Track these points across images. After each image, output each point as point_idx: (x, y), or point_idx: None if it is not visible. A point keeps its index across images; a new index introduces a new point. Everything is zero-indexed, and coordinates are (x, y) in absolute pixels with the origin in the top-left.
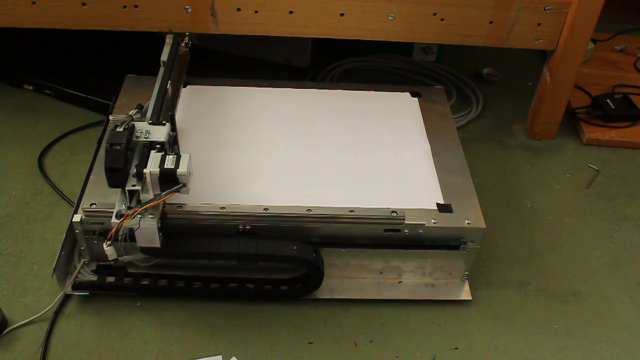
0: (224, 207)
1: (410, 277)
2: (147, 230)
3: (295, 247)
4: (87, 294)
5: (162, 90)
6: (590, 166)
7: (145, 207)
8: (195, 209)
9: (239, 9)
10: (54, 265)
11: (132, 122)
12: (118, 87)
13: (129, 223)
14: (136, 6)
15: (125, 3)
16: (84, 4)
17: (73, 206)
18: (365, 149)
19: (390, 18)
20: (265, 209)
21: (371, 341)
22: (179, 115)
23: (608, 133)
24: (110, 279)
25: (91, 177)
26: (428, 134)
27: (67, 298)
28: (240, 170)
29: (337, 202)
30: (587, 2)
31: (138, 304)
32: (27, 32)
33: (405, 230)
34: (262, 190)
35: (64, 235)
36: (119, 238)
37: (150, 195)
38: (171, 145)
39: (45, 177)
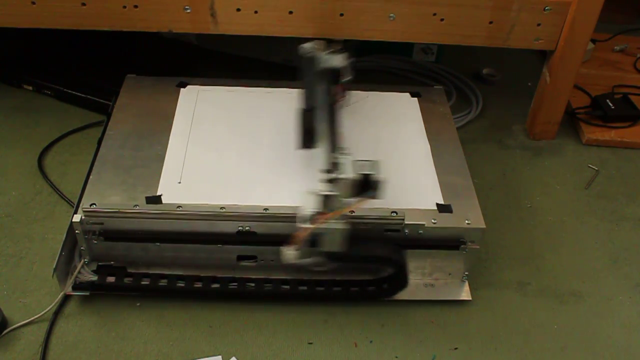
0: (224, 207)
1: (410, 277)
2: (334, 235)
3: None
4: (87, 294)
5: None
6: (590, 166)
7: (337, 213)
8: (195, 209)
9: (238, 9)
10: (54, 266)
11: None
12: (118, 87)
13: (318, 228)
14: (136, 6)
15: (125, 3)
16: (83, 4)
17: (73, 206)
18: (365, 149)
19: (390, 18)
20: (265, 209)
21: (371, 341)
22: (178, 116)
23: (608, 133)
24: (111, 279)
25: (91, 177)
26: (428, 134)
27: (67, 298)
28: (240, 170)
29: None
30: (587, 2)
31: (138, 304)
32: (27, 32)
33: (405, 231)
34: (262, 190)
35: (64, 236)
36: (304, 243)
37: (343, 202)
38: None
39: (45, 177)
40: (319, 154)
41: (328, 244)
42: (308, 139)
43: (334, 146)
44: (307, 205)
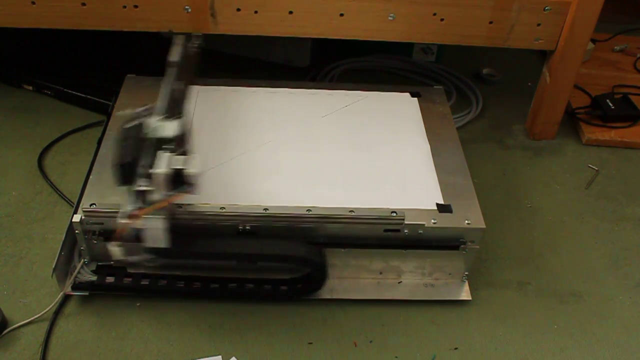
0: (224, 207)
1: (410, 277)
2: (156, 230)
3: (303, 248)
4: (87, 294)
5: (170, 88)
6: (590, 166)
7: (154, 207)
8: (195, 209)
9: (238, 9)
10: (53, 266)
11: (141, 119)
12: (118, 87)
13: (137, 223)
14: (136, 6)
15: (125, 3)
16: (83, 4)
17: (73, 206)
18: (365, 149)
19: (390, 18)
20: (265, 209)
21: (371, 341)
22: None
23: (608, 133)
24: (110, 279)
25: (91, 177)
26: (428, 134)
27: (67, 298)
28: (240, 170)
29: (337, 202)
30: (586, 2)
31: (138, 304)
32: (27, 32)
33: (405, 231)
34: (262, 190)
35: (64, 236)
36: (126, 238)
37: (159, 196)
38: (180, 144)
39: (45, 177)
40: (321, 153)
41: (151, 240)
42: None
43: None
44: (127, 201)
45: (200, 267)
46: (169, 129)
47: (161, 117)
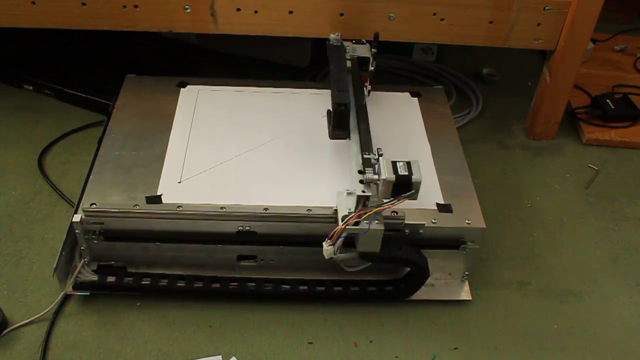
0: (224, 207)
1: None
2: (374, 235)
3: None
4: (87, 294)
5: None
6: (590, 166)
7: (375, 210)
8: (195, 209)
9: (238, 9)
10: (54, 265)
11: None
12: (118, 87)
13: (356, 227)
14: (136, 6)
15: (125, 3)
16: (84, 4)
17: (73, 206)
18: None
19: (390, 18)
20: (265, 209)
21: (371, 341)
22: (178, 116)
23: (608, 133)
24: (111, 278)
25: (91, 177)
26: (428, 134)
27: (67, 298)
28: (240, 170)
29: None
30: (586, 2)
31: (138, 304)
32: (27, 32)
33: (406, 230)
34: (262, 190)
35: (65, 235)
36: (339, 241)
37: (378, 200)
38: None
39: (45, 177)
40: (321, 153)
41: (364, 244)
42: (340, 130)
43: (367, 145)
44: (345, 204)
45: (195, 266)
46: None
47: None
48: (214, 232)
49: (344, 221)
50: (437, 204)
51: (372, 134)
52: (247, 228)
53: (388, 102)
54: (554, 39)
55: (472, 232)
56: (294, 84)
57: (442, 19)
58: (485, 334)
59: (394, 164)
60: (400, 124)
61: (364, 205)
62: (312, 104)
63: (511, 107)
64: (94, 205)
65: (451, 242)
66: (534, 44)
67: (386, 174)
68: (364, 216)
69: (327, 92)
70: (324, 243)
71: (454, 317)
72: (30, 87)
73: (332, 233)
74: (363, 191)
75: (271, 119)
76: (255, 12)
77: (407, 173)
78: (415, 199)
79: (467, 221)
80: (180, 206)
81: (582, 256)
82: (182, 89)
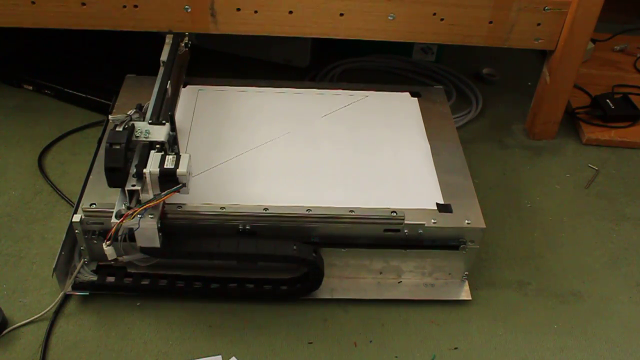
0: (224, 207)
1: (410, 277)
2: (147, 230)
3: (294, 247)
4: (87, 294)
5: (162, 90)
6: (590, 166)
7: (144, 207)
8: (195, 209)
9: (238, 9)
10: (54, 265)
11: (132, 122)
12: (118, 87)
13: (128, 223)
14: (136, 6)
15: (125, 3)
16: (83, 4)
17: (73, 206)
18: (365, 149)
19: (390, 18)
20: (265, 209)
21: (371, 341)
22: (178, 115)
23: (608, 133)
24: (110, 279)
25: (91, 177)
26: (428, 134)
27: (67, 298)
28: (240, 170)
29: (337, 202)
30: (586, 2)
31: (138, 304)
32: (27, 32)
33: (405, 230)
34: (262, 190)
35: (64, 235)
36: (119, 238)
37: (150, 195)
38: (171, 145)
39: (45, 177)
40: (321, 153)
41: (142, 240)
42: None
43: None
44: (119, 200)
45: (195, 267)
46: (159, 133)
47: (151, 120)
48: (213, 232)
49: (119, 219)
50: (437, 204)
51: (371, 134)
52: (247, 228)
53: (388, 102)
54: (554, 39)
55: (472, 232)
56: (294, 84)
57: (442, 19)
58: (485, 334)
59: (163, 157)
60: (400, 124)
61: (138, 202)
62: (312, 104)
63: (511, 107)
64: (94, 205)
65: (451, 242)
66: (534, 44)
67: (151, 167)
68: (136, 212)
69: (327, 92)
70: (103, 244)
71: (454, 317)
72: (30, 87)
73: (109, 234)
74: (133, 185)
75: (271, 119)
76: (255, 12)
77: (173, 166)
78: (187, 193)
79: (467, 221)
80: (181, 206)
81: (582, 256)
82: (182, 89)
